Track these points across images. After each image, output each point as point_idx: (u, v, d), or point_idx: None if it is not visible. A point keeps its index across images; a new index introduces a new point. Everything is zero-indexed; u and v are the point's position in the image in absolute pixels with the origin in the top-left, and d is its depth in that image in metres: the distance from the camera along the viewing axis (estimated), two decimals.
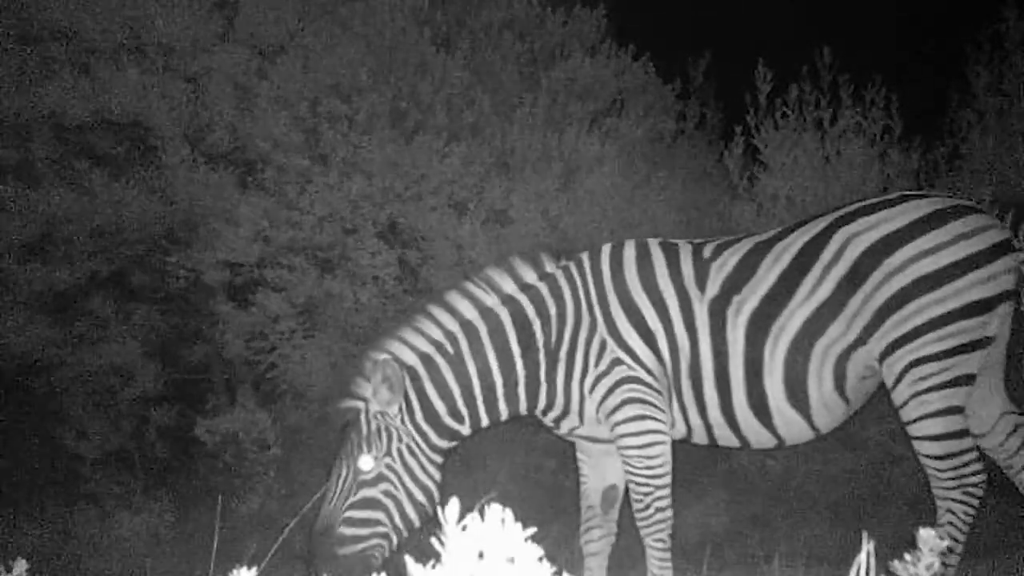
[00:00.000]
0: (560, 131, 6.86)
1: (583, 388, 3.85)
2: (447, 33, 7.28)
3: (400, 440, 3.83)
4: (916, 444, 3.60)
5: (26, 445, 7.01)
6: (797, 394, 3.67)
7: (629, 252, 3.94)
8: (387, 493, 3.82)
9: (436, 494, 3.87)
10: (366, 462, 3.79)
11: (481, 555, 1.68)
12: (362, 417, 3.83)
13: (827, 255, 3.64)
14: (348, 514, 3.79)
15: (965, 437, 3.56)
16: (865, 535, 2.01)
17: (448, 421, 3.92)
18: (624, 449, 3.82)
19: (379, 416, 3.82)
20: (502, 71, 7.22)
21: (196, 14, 6.61)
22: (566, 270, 3.93)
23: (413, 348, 3.91)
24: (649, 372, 3.77)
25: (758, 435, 3.81)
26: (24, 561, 2.30)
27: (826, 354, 3.63)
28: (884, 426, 5.93)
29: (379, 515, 3.81)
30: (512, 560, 1.67)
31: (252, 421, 6.49)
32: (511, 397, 3.92)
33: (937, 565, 1.97)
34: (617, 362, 3.79)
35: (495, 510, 1.69)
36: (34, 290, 6.67)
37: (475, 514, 1.70)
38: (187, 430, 6.69)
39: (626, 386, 3.78)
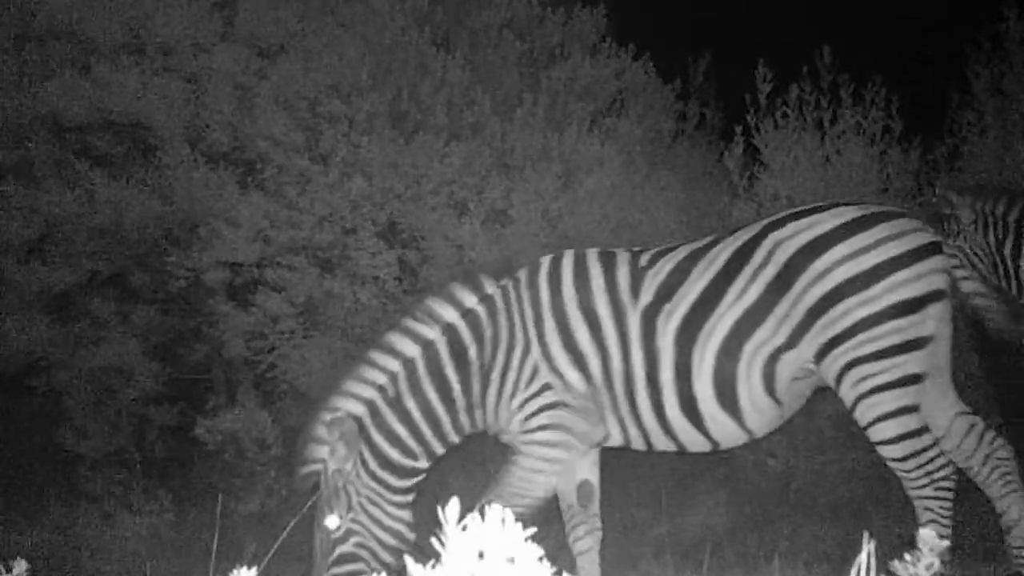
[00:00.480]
0: (560, 131, 6.86)
1: (511, 406, 3.88)
2: (447, 33, 7.28)
3: (359, 493, 3.90)
4: (878, 448, 3.61)
5: (26, 445, 7.01)
6: (727, 396, 3.69)
7: (567, 266, 3.93)
8: (359, 545, 3.89)
9: (408, 533, 3.94)
10: (332, 521, 3.83)
11: (481, 555, 1.68)
12: (323, 479, 3.89)
13: (757, 259, 3.67)
14: (332, 572, 3.89)
15: (924, 434, 3.58)
16: (866, 535, 2.01)
17: (404, 462, 3.95)
18: (520, 462, 3.88)
19: (337, 474, 3.86)
20: (502, 71, 7.22)
21: (196, 14, 6.61)
22: (504, 289, 3.94)
23: (358, 398, 3.94)
24: (577, 396, 3.81)
25: (691, 438, 3.83)
26: (24, 561, 2.30)
27: (755, 356, 3.65)
28: None
29: (358, 566, 3.89)
30: (512, 560, 1.68)
31: (252, 421, 6.49)
32: (457, 422, 3.96)
33: (937, 565, 1.97)
34: (547, 387, 3.83)
35: (495, 510, 1.69)
36: (34, 290, 6.67)
37: (475, 514, 1.70)
38: (187, 430, 6.69)
39: (551, 411, 3.83)
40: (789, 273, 3.60)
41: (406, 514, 3.95)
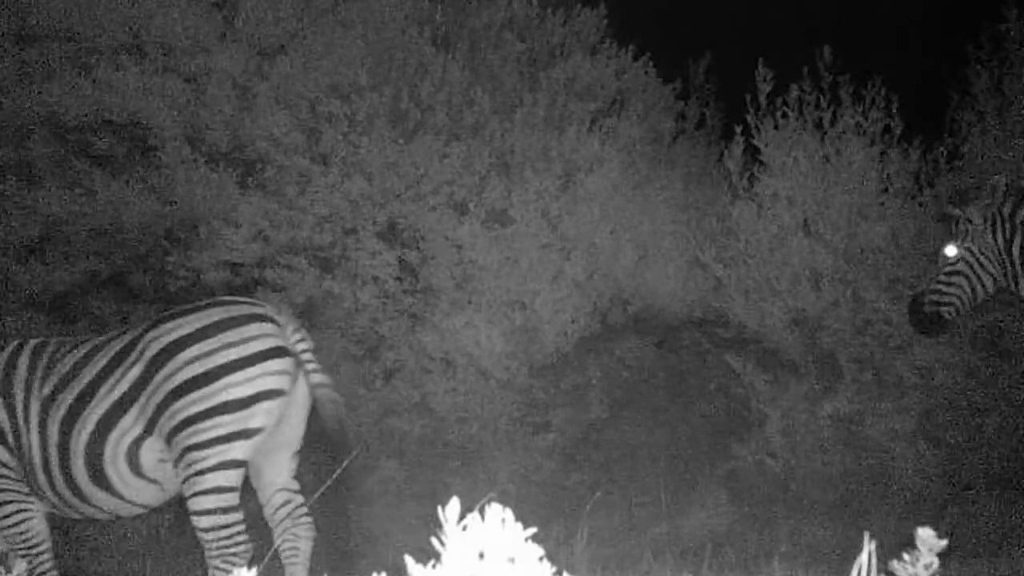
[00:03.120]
0: (560, 131, 6.85)
1: None
2: (447, 33, 7.28)
3: None
4: (192, 518, 4.15)
5: None
6: (99, 476, 4.22)
7: (2, 358, 4.41)
8: None
9: None
10: None
11: (481, 555, 1.68)
12: None
13: (133, 355, 4.20)
14: None
15: (231, 513, 4.11)
16: (866, 535, 2.01)
17: None
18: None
19: None
20: (502, 71, 7.22)
21: (196, 14, 6.60)
22: None
23: None
24: (4, 465, 4.32)
25: (87, 510, 4.34)
26: (24, 561, 2.30)
27: (119, 443, 4.17)
28: (884, 426, 5.94)
29: None
30: (512, 560, 1.68)
31: None
32: None
33: (936, 565, 1.97)
34: None
35: (495, 510, 1.69)
36: (34, 290, 6.67)
37: (475, 514, 1.70)
38: None
39: None
40: (151, 369, 4.13)
41: None
